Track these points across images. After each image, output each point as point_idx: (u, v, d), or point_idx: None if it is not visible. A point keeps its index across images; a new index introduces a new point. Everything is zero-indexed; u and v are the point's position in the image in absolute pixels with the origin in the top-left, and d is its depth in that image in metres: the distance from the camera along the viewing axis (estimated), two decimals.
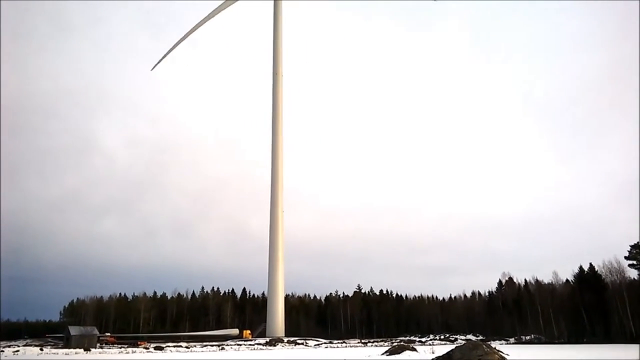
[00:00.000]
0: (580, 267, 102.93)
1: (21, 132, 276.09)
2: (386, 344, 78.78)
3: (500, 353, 27.30)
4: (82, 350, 67.56)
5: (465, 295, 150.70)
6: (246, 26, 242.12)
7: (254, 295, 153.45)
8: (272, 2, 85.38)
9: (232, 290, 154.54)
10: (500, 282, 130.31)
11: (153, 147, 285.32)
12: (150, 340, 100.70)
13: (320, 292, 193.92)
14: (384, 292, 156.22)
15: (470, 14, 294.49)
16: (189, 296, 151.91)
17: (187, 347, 72.95)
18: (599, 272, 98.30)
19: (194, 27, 63.17)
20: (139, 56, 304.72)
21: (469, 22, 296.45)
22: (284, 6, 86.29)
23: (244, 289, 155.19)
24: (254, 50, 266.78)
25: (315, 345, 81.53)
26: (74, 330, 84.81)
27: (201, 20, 65.29)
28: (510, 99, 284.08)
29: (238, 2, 74.15)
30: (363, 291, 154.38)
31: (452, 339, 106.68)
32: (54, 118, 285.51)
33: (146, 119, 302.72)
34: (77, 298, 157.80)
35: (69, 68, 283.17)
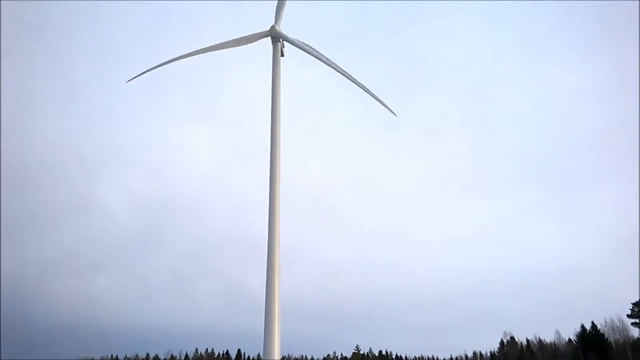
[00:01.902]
0: (582, 326, 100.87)
1: (21, 190, 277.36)
2: None
3: None
4: None
5: (466, 356, 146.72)
6: (245, 79, 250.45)
7: (249, 357, 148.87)
8: (271, 60, 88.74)
9: (227, 351, 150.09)
10: (502, 342, 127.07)
11: (152, 204, 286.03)
12: None
13: (318, 353, 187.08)
14: (384, 352, 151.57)
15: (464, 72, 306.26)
16: (182, 358, 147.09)
17: None
18: (601, 331, 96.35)
19: (182, 56, 56.96)
20: (141, 114, 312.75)
21: (464, 79, 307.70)
22: (283, 66, 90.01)
23: (239, 350, 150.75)
24: (253, 104, 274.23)
25: None
26: None
27: (191, 52, 59.87)
28: (506, 156, 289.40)
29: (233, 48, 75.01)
30: (362, 352, 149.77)
31: None
32: (54, 176, 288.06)
33: (146, 177, 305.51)
34: None
35: (71, 126, 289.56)
